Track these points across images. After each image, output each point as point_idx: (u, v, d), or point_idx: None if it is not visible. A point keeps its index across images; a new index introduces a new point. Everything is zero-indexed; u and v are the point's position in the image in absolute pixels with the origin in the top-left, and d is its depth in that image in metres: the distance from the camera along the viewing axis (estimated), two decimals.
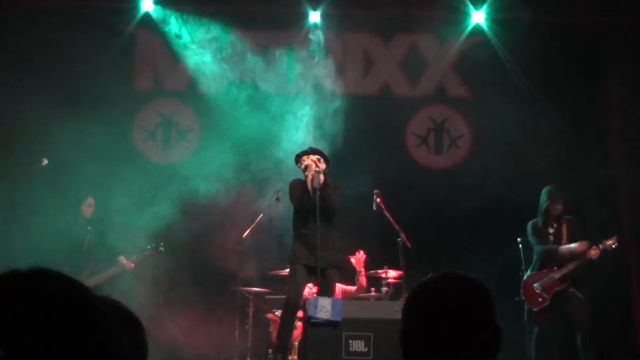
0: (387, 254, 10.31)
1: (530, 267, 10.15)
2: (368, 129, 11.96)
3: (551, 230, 10.12)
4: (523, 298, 9.99)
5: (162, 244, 10.77)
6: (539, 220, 10.23)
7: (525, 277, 10.06)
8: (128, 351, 1.25)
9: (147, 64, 12.65)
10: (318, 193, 8.77)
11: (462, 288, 2.16)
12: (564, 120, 12.01)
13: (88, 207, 10.63)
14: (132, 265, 10.48)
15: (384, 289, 10.25)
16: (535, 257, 10.16)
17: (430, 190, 11.95)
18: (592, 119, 12.20)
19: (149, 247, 10.71)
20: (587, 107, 12.14)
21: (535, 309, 9.89)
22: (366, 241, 10.79)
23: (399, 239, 9.95)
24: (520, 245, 10.21)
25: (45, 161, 10.43)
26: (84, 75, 11.78)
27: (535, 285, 9.91)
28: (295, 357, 9.33)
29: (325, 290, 8.80)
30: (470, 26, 12.52)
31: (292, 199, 9.13)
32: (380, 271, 10.37)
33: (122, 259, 10.45)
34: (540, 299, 9.86)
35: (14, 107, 11.26)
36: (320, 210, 8.76)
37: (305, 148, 9.38)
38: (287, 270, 9.24)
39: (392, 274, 10.28)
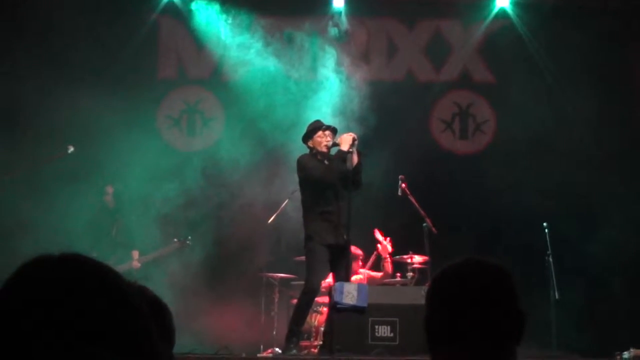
0: (413, 239, 10.30)
1: None
2: (392, 115, 11.89)
3: None
4: None
5: (189, 237, 10.75)
6: None
7: None
8: (157, 336, 1.26)
9: (171, 52, 12.69)
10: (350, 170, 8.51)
11: (485, 274, 2.16)
12: (588, 104, 11.88)
13: (106, 196, 10.65)
14: (139, 265, 10.43)
15: (410, 274, 10.24)
16: None
17: (455, 176, 11.95)
18: (616, 103, 12.10)
19: (175, 240, 10.69)
20: (611, 91, 12.03)
21: None
22: (391, 227, 10.79)
23: (424, 225, 9.93)
24: (546, 230, 10.14)
25: (71, 148, 10.46)
26: (108, 63, 11.84)
27: None
28: (321, 342, 9.33)
29: (347, 269, 8.54)
30: (495, 10, 12.44)
31: (311, 174, 8.57)
32: (405, 256, 10.36)
33: (135, 255, 10.45)
34: None
35: (38, 95, 11.33)
36: (346, 187, 8.58)
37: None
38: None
39: (417, 259, 10.27)
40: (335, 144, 8.70)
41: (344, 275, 8.43)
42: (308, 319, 9.73)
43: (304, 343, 9.58)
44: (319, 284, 8.60)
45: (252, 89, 11.91)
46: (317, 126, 8.88)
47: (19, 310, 1.17)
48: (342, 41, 12.19)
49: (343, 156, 8.50)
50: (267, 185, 11.20)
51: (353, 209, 8.49)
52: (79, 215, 10.31)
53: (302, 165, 8.68)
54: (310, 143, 8.84)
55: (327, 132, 8.82)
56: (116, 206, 10.66)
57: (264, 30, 11.96)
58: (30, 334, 1.15)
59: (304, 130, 9.00)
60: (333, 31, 12.27)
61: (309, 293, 8.48)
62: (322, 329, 9.39)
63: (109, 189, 10.67)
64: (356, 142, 8.58)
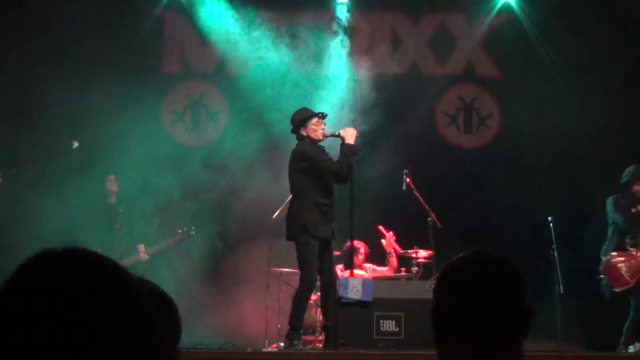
0: (417, 234, 10.29)
1: (608, 244, 9.60)
2: (397, 109, 11.89)
3: (633, 211, 9.51)
4: (604, 277, 9.49)
5: (193, 227, 10.79)
6: (621, 198, 9.64)
7: (606, 257, 9.48)
8: (163, 332, 1.25)
9: (175, 46, 12.68)
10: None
11: (493, 267, 2.16)
12: (593, 98, 11.85)
13: (110, 183, 10.64)
14: (147, 256, 10.46)
15: (415, 269, 10.23)
16: (615, 235, 9.59)
17: (459, 170, 11.93)
18: (623, 97, 12.06)
19: (180, 230, 10.74)
20: (615, 85, 11.98)
21: (617, 290, 9.40)
22: (396, 221, 10.79)
23: (429, 219, 9.91)
24: (551, 225, 10.13)
25: (76, 144, 10.45)
26: (113, 57, 11.83)
27: (621, 266, 9.36)
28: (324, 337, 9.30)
29: (331, 264, 8.42)
30: (500, 4, 12.42)
31: (326, 165, 8.26)
32: (410, 251, 10.35)
33: (141, 247, 10.47)
34: (624, 281, 9.32)
35: (43, 89, 11.33)
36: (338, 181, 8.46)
37: (328, 125, 8.75)
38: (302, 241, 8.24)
39: (422, 254, 10.26)
40: (334, 135, 8.52)
41: (327, 269, 8.32)
42: (313, 314, 9.73)
43: (308, 338, 9.57)
44: (316, 279, 8.39)
45: (256, 83, 11.92)
46: (310, 114, 8.54)
47: (20, 309, 1.16)
48: (347, 34, 12.17)
49: (352, 149, 8.35)
50: (271, 180, 11.19)
51: (355, 202, 8.48)
52: (83, 208, 10.31)
53: (308, 154, 8.32)
54: (303, 132, 8.46)
55: (322, 120, 8.58)
56: (120, 199, 10.66)
57: (268, 24, 11.96)
58: (31, 334, 1.14)
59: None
60: (341, 21, 12.22)
61: (310, 289, 8.35)
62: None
63: (111, 177, 10.65)
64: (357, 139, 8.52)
